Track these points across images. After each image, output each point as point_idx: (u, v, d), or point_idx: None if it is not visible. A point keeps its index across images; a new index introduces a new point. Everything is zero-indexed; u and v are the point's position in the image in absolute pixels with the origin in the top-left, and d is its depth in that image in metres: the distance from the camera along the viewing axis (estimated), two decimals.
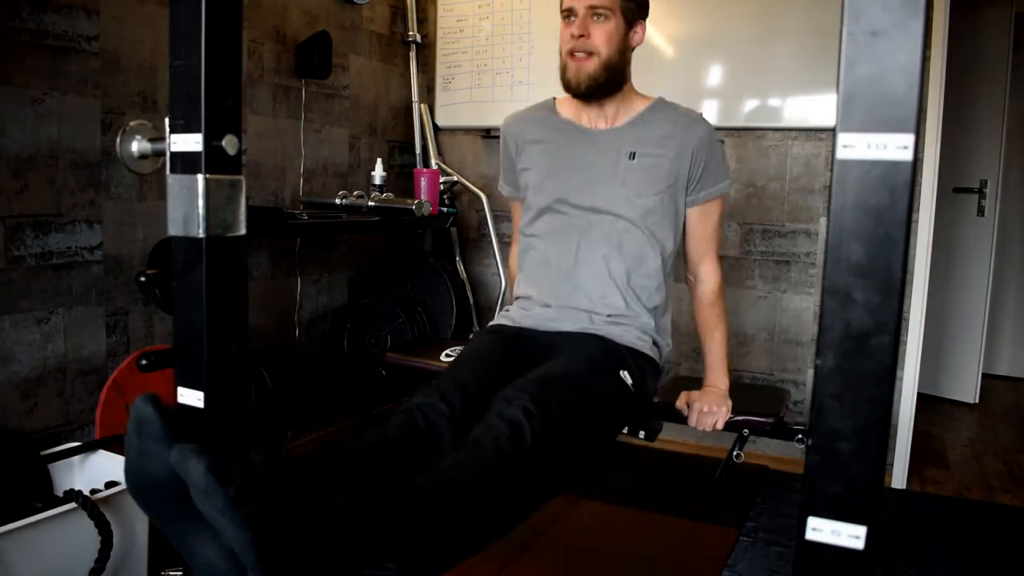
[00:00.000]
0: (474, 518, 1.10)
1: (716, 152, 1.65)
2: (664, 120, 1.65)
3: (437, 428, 1.23)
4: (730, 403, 1.64)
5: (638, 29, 1.59)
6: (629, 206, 1.61)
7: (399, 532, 1.01)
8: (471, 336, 1.87)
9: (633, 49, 1.62)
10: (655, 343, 1.66)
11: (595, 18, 1.53)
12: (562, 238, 1.65)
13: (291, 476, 1.07)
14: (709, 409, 1.63)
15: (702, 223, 1.69)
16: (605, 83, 1.57)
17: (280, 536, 0.87)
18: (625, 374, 1.51)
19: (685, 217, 1.69)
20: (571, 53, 1.55)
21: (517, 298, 1.74)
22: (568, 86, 1.58)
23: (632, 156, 1.62)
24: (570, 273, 1.63)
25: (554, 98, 1.76)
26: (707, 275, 1.71)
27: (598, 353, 1.51)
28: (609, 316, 1.60)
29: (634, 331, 1.60)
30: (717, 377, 1.70)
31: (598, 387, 1.43)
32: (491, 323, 1.75)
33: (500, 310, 1.89)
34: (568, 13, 1.56)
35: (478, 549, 1.16)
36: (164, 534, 0.96)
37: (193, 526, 0.92)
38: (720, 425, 1.62)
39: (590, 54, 1.54)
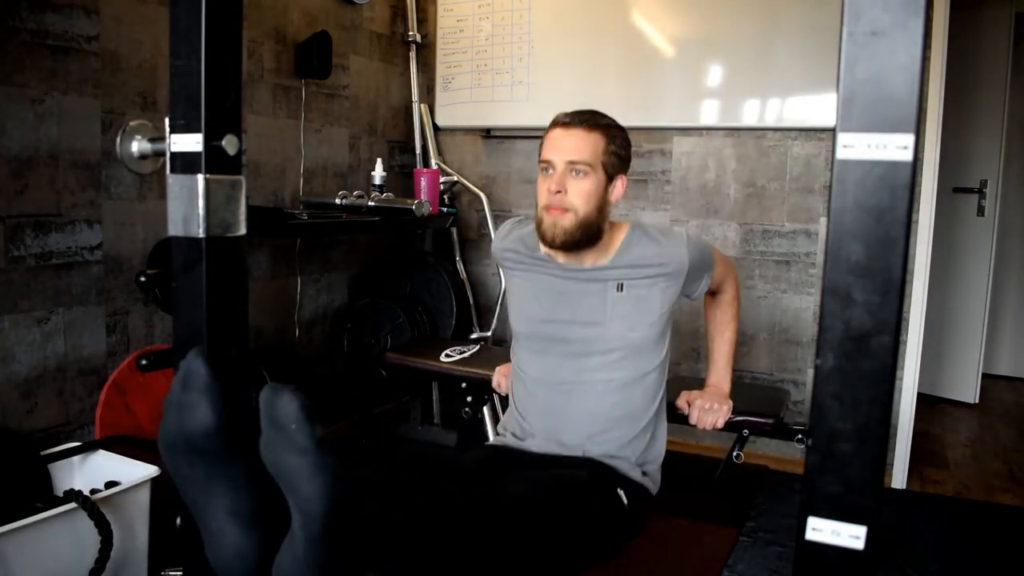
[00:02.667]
0: None
1: (698, 259, 1.58)
2: (645, 248, 1.56)
3: None
4: (731, 403, 1.64)
5: (618, 183, 1.51)
6: (622, 340, 1.55)
7: None
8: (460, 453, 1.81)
9: (612, 204, 1.53)
10: (646, 474, 1.59)
11: (574, 174, 1.45)
12: (552, 374, 1.59)
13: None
14: (710, 407, 1.62)
15: (716, 280, 1.68)
16: (580, 239, 1.49)
17: (345, 498, 0.88)
18: (621, 493, 1.47)
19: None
20: (547, 207, 1.47)
21: (505, 429, 1.68)
22: (543, 239, 1.51)
23: (620, 288, 1.55)
24: (563, 413, 1.56)
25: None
26: (728, 287, 1.74)
27: (584, 475, 1.45)
28: (603, 453, 1.55)
29: (627, 463, 1.55)
30: (720, 377, 1.69)
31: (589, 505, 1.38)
32: (487, 443, 1.70)
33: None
34: (547, 165, 1.48)
35: None
36: (182, 495, 0.96)
37: (217, 487, 0.93)
38: (720, 424, 1.62)
39: (566, 210, 1.46)
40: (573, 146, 1.45)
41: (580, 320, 1.57)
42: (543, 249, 1.57)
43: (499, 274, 2.96)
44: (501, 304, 2.90)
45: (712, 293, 1.74)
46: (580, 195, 1.45)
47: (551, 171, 1.47)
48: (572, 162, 1.45)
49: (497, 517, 1.21)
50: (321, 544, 0.87)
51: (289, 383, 0.88)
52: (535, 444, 1.57)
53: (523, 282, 1.65)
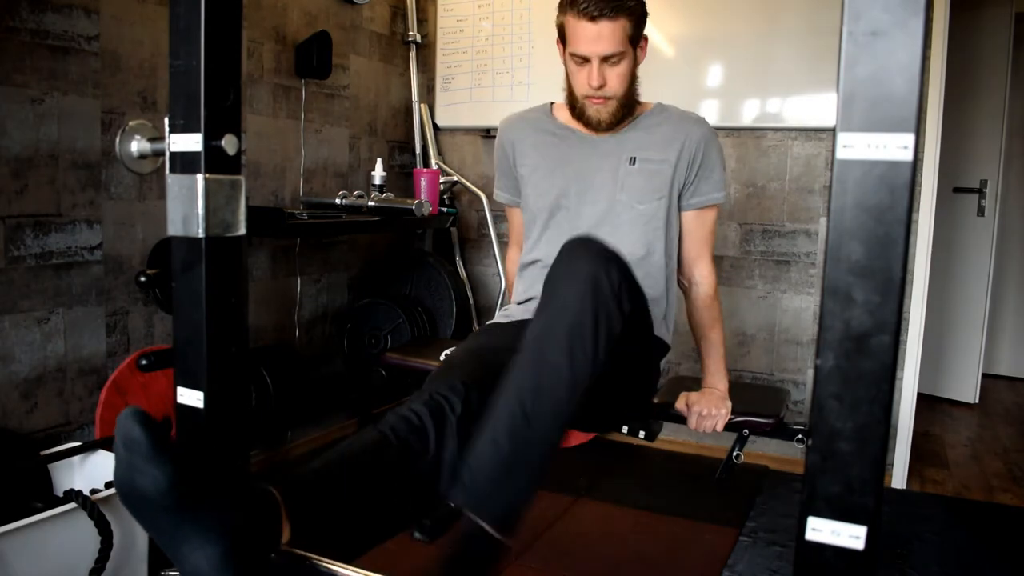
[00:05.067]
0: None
1: (714, 154, 1.63)
2: (664, 124, 1.64)
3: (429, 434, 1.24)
4: (730, 404, 1.64)
5: (643, 45, 1.56)
6: (630, 212, 1.62)
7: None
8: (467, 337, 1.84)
9: (641, 61, 1.60)
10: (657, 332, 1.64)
11: (610, 64, 1.51)
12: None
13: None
14: (708, 412, 1.62)
15: (697, 227, 1.68)
16: (624, 115, 1.59)
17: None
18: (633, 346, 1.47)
19: (680, 220, 1.68)
20: (589, 98, 1.55)
21: (517, 303, 1.74)
22: (588, 124, 1.59)
23: (632, 161, 1.61)
24: None
25: (551, 103, 1.75)
26: (702, 278, 1.70)
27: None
28: None
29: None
30: (716, 379, 1.69)
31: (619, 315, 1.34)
32: (489, 322, 1.74)
33: (500, 309, 1.88)
34: (580, 60, 1.52)
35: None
36: (155, 540, 0.98)
37: (182, 533, 0.93)
38: (720, 428, 1.62)
39: (607, 98, 1.54)
40: (606, 40, 1.47)
41: (592, 196, 1.62)
42: (562, 120, 1.67)
43: (499, 274, 2.96)
44: (501, 303, 2.90)
45: (686, 287, 1.73)
46: (618, 80, 1.52)
47: (586, 64, 1.51)
48: (607, 56, 1.49)
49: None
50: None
51: (288, 384, 0.88)
52: None
53: (540, 160, 1.69)
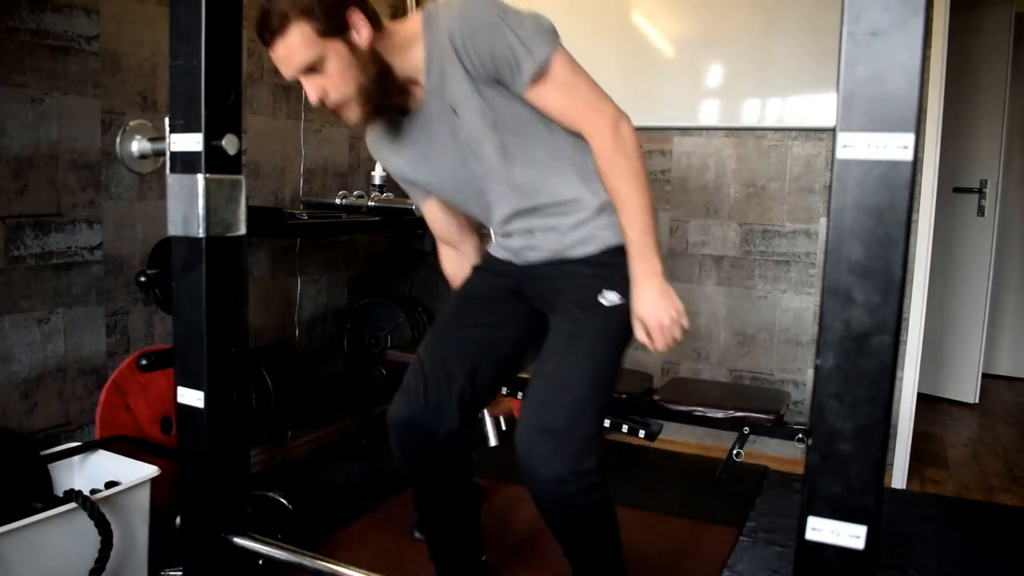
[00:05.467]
0: None
1: (489, 33, 1.25)
2: (432, 44, 1.29)
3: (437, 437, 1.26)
4: (673, 294, 1.32)
5: (354, 29, 1.25)
6: (490, 136, 1.34)
7: None
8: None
9: (372, 41, 1.27)
10: (605, 214, 1.39)
11: (316, 73, 1.25)
12: (460, 202, 1.51)
13: None
14: (658, 321, 1.30)
15: (550, 100, 1.31)
16: (380, 102, 1.31)
17: None
18: (611, 295, 1.35)
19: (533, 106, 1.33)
20: (332, 112, 1.32)
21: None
22: (359, 128, 1.40)
23: (454, 111, 1.33)
24: (488, 214, 1.47)
25: None
26: (592, 135, 1.34)
27: (576, 309, 1.36)
28: (560, 217, 1.40)
29: (586, 225, 1.39)
30: (643, 258, 1.31)
31: (602, 341, 1.33)
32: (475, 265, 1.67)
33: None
34: (298, 82, 1.28)
35: None
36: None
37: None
38: (678, 334, 1.32)
39: (341, 104, 1.28)
40: (291, 58, 1.23)
41: (453, 171, 1.41)
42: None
43: None
44: None
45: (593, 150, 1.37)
46: (336, 83, 1.25)
47: (304, 85, 1.27)
48: (300, 68, 1.24)
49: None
50: None
51: (289, 384, 0.87)
52: (512, 244, 1.49)
53: (390, 159, 1.51)
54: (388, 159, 1.50)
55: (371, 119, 1.35)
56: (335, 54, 1.23)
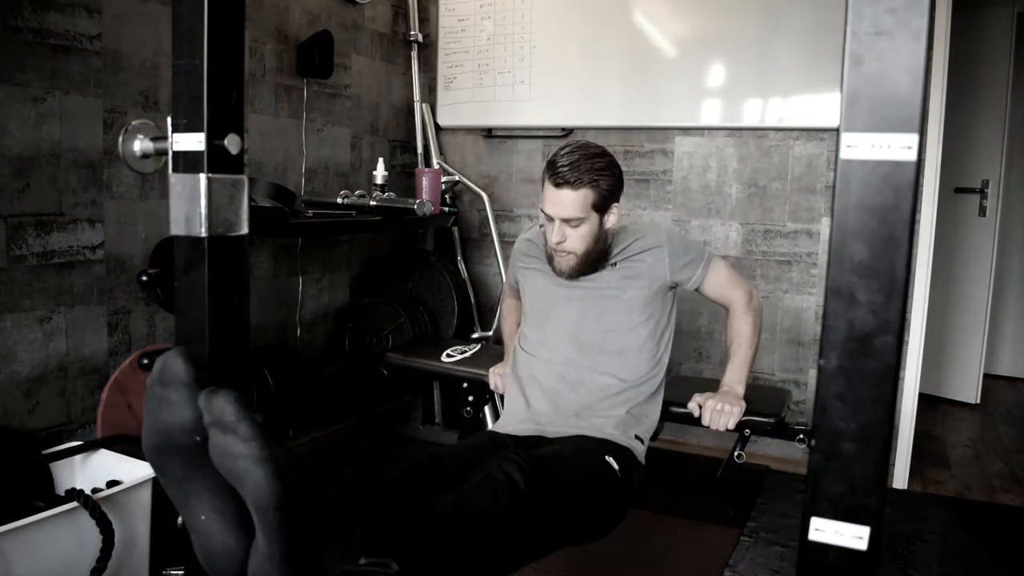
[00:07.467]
0: (467, 554, 1.18)
1: (679, 241, 1.75)
2: (628, 241, 1.74)
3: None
4: (744, 405, 1.66)
5: (612, 211, 1.67)
6: (616, 301, 1.72)
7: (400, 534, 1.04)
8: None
9: (611, 227, 1.70)
10: (636, 436, 1.68)
11: (570, 225, 1.63)
12: (547, 366, 1.73)
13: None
14: (722, 408, 1.64)
15: (711, 289, 1.76)
16: (586, 268, 1.70)
17: (295, 483, 0.89)
18: (611, 460, 1.55)
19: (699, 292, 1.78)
20: (554, 250, 1.68)
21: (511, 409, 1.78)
22: (557, 272, 1.72)
23: (614, 264, 1.72)
24: (562, 397, 1.69)
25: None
26: (736, 299, 1.77)
27: (583, 442, 1.58)
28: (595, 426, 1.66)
29: (612, 424, 1.65)
30: (734, 378, 1.71)
31: (587, 465, 1.50)
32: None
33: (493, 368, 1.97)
34: (548, 217, 1.65)
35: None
36: (168, 495, 0.96)
37: (200, 485, 0.92)
38: (732, 424, 1.64)
39: (568, 252, 1.66)
40: (565, 206, 1.61)
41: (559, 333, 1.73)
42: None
43: (500, 273, 2.97)
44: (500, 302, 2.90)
45: (727, 309, 1.80)
46: (578, 240, 1.65)
47: (552, 221, 1.64)
48: (565, 219, 1.62)
49: (499, 482, 1.26)
50: (279, 536, 0.87)
51: (290, 384, 0.87)
52: (535, 425, 1.67)
53: (528, 284, 1.83)
54: (534, 274, 1.81)
55: (577, 272, 1.70)
56: (590, 223, 1.64)
